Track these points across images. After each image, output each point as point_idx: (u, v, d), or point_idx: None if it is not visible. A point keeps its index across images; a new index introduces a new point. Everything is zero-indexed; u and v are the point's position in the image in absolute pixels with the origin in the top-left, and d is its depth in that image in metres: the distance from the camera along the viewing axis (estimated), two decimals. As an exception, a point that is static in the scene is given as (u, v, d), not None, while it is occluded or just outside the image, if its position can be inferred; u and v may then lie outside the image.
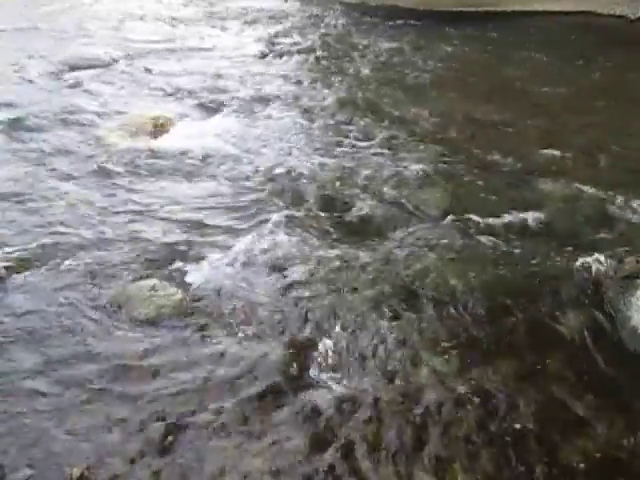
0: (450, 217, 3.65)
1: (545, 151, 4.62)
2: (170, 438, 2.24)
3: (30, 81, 6.37)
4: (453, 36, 8.48)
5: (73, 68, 6.83)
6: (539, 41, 8.15)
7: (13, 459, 2.16)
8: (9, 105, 5.50)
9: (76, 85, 6.27)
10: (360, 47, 7.91)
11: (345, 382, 2.49)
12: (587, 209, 3.79)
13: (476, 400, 2.39)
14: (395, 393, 2.43)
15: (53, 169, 4.31)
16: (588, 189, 3.98)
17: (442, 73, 6.81)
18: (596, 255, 3.17)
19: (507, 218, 3.62)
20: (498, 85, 6.43)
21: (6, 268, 3.13)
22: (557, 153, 4.58)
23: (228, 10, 10.62)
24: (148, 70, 6.84)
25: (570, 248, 3.34)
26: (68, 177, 4.20)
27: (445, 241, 3.44)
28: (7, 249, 3.31)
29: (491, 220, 3.60)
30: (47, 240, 3.41)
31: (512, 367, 2.56)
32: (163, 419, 2.31)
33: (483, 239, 3.44)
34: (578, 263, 3.15)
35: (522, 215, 3.66)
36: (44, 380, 2.48)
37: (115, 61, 7.16)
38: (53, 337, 2.71)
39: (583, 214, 3.73)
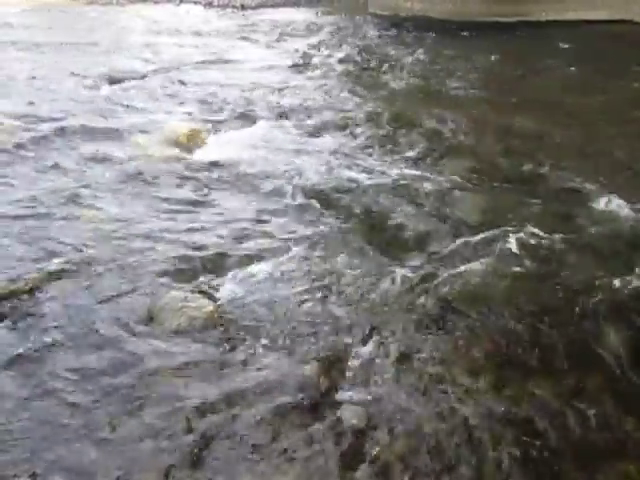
0: (485, 232, 3.59)
1: (581, 163, 4.53)
2: (201, 451, 2.23)
3: (68, 93, 6.54)
4: (485, 46, 8.42)
5: (110, 81, 7.00)
6: (573, 51, 8.03)
7: (46, 468, 2.17)
8: (48, 117, 5.65)
9: (113, 97, 6.41)
10: (391, 59, 7.91)
11: (376, 398, 2.45)
12: (627, 224, 3.69)
13: (511, 420, 2.33)
14: (428, 411, 2.38)
15: (89, 180, 4.39)
16: (627, 202, 3.88)
17: (475, 84, 6.76)
18: (636, 272, 3.08)
19: (544, 233, 3.54)
20: (532, 96, 6.34)
21: (41, 279, 3.18)
22: (594, 165, 4.48)
23: (261, 23, 10.77)
24: (183, 82, 6.96)
25: (609, 265, 3.24)
26: (103, 188, 4.27)
27: (480, 256, 3.37)
28: (42, 260, 3.37)
29: (527, 235, 3.52)
30: (81, 251, 3.46)
31: (549, 387, 2.49)
32: (194, 432, 2.31)
33: (520, 254, 3.37)
34: (617, 280, 3.06)
35: (560, 230, 3.57)
36: (77, 390, 2.50)
37: (150, 73, 7.30)
38: (86, 348, 2.74)
39: (622, 229, 3.63)
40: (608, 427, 2.31)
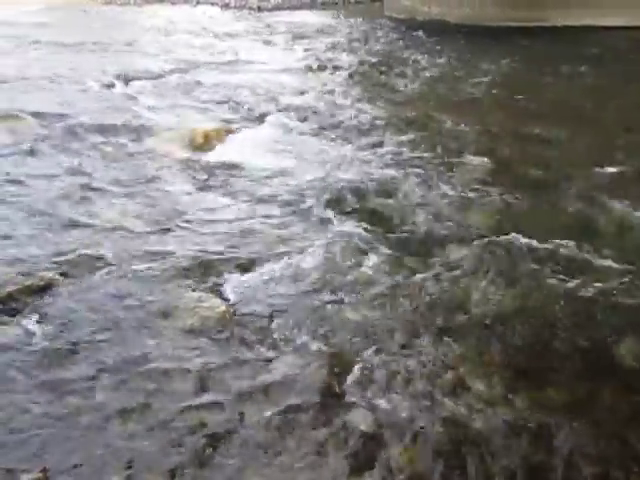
0: (498, 238, 3.56)
1: (599, 171, 4.48)
2: (210, 450, 2.23)
3: (84, 92, 6.61)
4: (502, 51, 8.38)
5: (126, 80, 7.06)
6: (591, 57, 7.98)
7: (56, 463, 2.18)
8: (63, 115, 5.70)
9: (128, 96, 6.47)
10: (407, 62, 7.90)
11: (387, 403, 2.43)
12: (643, 232, 3.66)
13: (522, 429, 2.30)
14: (438, 418, 2.36)
15: (103, 179, 4.43)
16: (645, 211, 3.85)
17: (490, 89, 6.73)
18: (652, 280, 3.05)
19: (557, 241, 3.50)
20: (548, 102, 6.30)
21: (55, 276, 3.21)
22: (612, 173, 4.44)
23: (277, 25, 10.81)
24: (199, 82, 7.00)
25: (624, 273, 3.21)
26: (118, 188, 4.30)
27: (493, 263, 3.35)
28: (56, 257, 3.40)
29: (541, 242, 3.49)
30: (95, 249, 3.49)
31: (562, 395, 2.46)
32: (203, 430, 2.31)
33: (532, 262, 3.34)
34: (632, 288, 3.03)
35: (573, 238, 3.53)
36: (91, 386, 2.52)
37: (167, 73, 7.35)
38: (99, 344, 2.76)
39: (638, 237, 3.59)
40: (622, 438, 2.28)
